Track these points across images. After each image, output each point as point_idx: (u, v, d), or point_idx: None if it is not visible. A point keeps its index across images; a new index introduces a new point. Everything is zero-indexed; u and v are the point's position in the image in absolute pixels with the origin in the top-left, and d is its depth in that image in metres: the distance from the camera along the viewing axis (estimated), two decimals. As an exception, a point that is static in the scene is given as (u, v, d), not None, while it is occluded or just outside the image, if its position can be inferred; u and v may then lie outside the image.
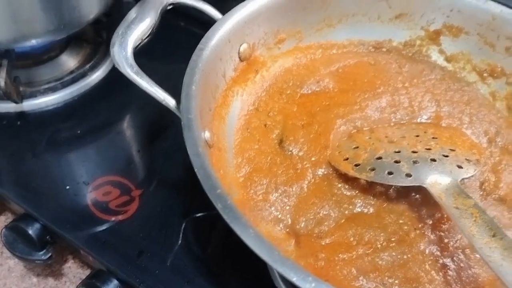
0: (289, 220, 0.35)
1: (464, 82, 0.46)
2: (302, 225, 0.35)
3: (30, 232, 0.44)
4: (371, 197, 0.37)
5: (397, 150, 0.38)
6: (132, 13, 0.36)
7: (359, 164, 0.38)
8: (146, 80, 0.33)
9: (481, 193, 0.39)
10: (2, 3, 0.43)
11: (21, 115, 0.51)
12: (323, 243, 0.34)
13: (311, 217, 0.36)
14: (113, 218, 0.43)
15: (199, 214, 0.44)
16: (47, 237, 0.44)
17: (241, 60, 0.42)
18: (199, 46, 0.37)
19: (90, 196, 0.45)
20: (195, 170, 0.28)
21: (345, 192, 0.37)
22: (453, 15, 0.45)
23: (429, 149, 0.38)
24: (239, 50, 0.41)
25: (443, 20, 0.46)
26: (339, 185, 0.38)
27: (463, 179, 0.36)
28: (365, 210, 0.36)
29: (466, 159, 0.38)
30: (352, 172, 0.38)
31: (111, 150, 0.50)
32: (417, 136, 0.40)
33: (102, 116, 0.52)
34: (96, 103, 0.53)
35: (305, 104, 0.42)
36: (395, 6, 0.46)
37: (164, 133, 0.51)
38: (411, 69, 0.45)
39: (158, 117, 0.52)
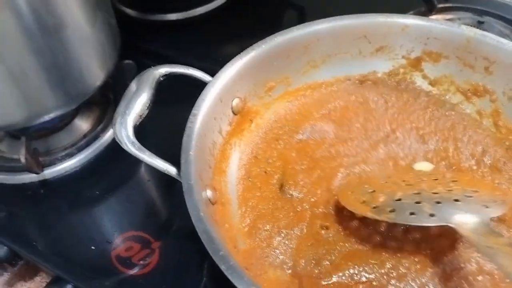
0: (292, 262, 0.38)
1: (449, 105, 0.48)
2: (302, 266, 0.37)
3: (64, 294, 0.47)
4: (366, 236, 0.39)
5: (416, 192, 0.38)
6: (131, 88, 0.40)
7: (377, 206, 0.37)
8: (147, 154, 0.37)
9: None
10: (10, 86, 0.47)
11: (44, 183, 0.55)
12: (324, 283, 0.36)
13: (310, 257, 0.38)
14: (137, 272, 0.47)
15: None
16: (80, 297, 0.48)
17: (234, 114, 0.45)
18: (193, 111, 0.40)
19: (114, 253, 0.48)
20: (199, 234, 0.31)
21: (340, 232, 0.39)
22: (430, 42, 0.48)
23: (450, 190, 0.37)
24: (231, 106, 0.45)
25: (422, 47, 0.48)
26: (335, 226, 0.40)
27: (491, 218, 0.36)
28: (361, 247, 0.38)
29: (491, 200, 0.37)
30: (370, 214, 0.37)
31: (129, 205, 0.53)
32: (436, 179, 0.40)
33: (117, 174, 0.56)
34: (111, 162, 0.57)
35: (304, 149, 0.45)
36: (374, 41, 0.49)
37: (175, 184, 0.54)
38: (396, 103, 0.48)
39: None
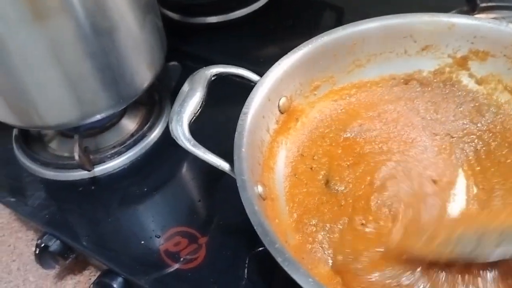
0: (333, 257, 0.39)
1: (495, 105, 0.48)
2: (340, 262, 0.38)
3: (115, 286, 0.49)
4: None
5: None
6: (184, 88, 0.41)
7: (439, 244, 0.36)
8: (202, 151, 0.38)
9: None
10: (67, 88, 0.50)
11: (94, 180, 0.58)
12: (366, 278, 0.36)
13: (347, 252, 0.38)
14: (185, 266, 0.48)
15: (260, 248, 0.47)
16: (130, 289, 0.50)
17: (281, 112, 0.46)
18: (243, 110, 0.41)
19: (163, 248, 0.50)
20: (254, 227, 0.32)
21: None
22: (477, 41, 0.47)
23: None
24: (278, 105, 0.46)
25: (468, 46, 0.48)
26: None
27: None
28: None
29: None
30: (433, 254, 0.36)
31: (176, 202, 0.55)
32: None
33: (163, 171, 0.58)
34: (157, 160, 0.59)
35: (351, 146, 0.46)
36: (420, 40, 0.49)
37: (220, 180, 0.55)
38: (445, 106, 0.48)
39: (212, 166, 0.57)
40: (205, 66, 0.68)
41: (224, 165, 0.38)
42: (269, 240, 0.31)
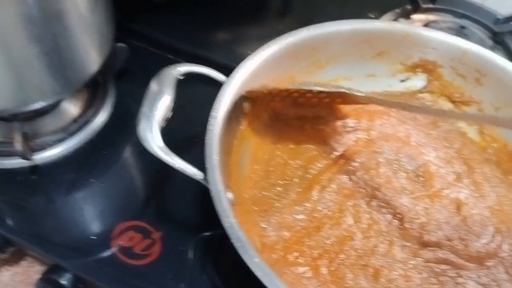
0: None
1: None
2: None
3: (65, 282, 0.47)
4: None
5: None
6: (152, 88, 0.40)
7: None
8: (174, 159, 0.37)
9: None
10: (10, 72, 0.45)
11: (34, 169, 0.53)
12: None
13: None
14: (140, 262, 0.47)
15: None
16: (80, 286, 0.48)
17: (245, 113, 0.46)
18: (212, 114, 0.41)
19: (115, 243, 0.48)
20: (232, 242, 0.33)
21: None
22: (429, 52, 0.51)
23: None
24: (243, 106, 0.46)
25: (420, 56, 0.51)
26: None
27: None
28: None
29: None
30: None
31: (126, 194, 0.53)
32: None
33: (111, 160, 0.55)
34: (104, 148, 0.56)
35: None
36: (376, 46, 0.51)
37: (173, 172, 0.54)
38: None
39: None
40: (153, 48, 0.67)
41: (198, 174, 0.37)
42: (248, 255, 0.32)
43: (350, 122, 0.49)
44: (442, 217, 0.44)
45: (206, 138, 0.39)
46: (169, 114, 0.38)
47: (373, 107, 0.49)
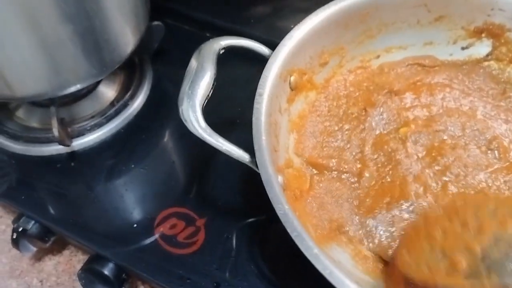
0: None
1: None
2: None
3: (106, 272, 0.45)
4: None
5: (496, 239, 0.31)
6: (192, 64, 0.36)
7: (470, 274, 0.30)
8: (220, 141, 0.34)
9: None
10: (44, 55, 0.43)
11: (73, 155, 0.52)
12: None
13: None
14: (184, 251, 0.45)
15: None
16: (123, 275, 0.46)
17: (292, 89, 0.42)
18: (259, 91, 0.37)
19: (158, 231, 0.46)
20: (289, 232, 0.30)
21: None
22: (494, 14, 0.45)
23: None
24: (290, 81, 0.42)
25: (484, 19, 0.46)
26: None
27: None
28: None
29: None
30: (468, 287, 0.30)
31: (167, 180, 0.51)
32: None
33: (151, 145, 0.53)
34: (143, 131, 0.54)
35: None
36: (434, 10, 0.46)
37: (214, 156, 0.52)
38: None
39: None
40: (189, 26, 0.64)
41: (244, 156, 0.34)
42: (306, 246, 0.29)
43: (408, 97, 0.44)
44: None
45: (253, 117, 0.35)
46: (210, 92, 0.35)
47: (433, 79, 0.44)
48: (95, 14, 0.44)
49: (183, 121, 0.34)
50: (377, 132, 0.43)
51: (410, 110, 0.44)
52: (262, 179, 0.32)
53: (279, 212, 0.31)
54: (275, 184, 0.32)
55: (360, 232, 0.38)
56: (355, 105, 0.45)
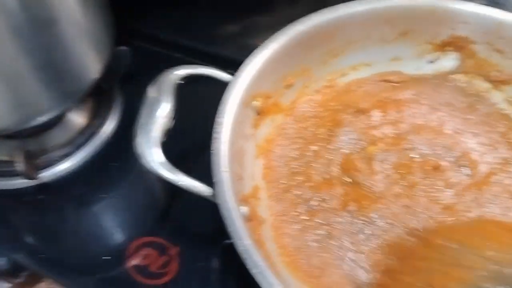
0: None
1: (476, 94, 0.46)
2: None
3: (81, 306, 0.44)
4: None
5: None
6: (148, 96, 0.36)
7: None
8: (179, 176, 0.33)
9: None
10: (2, 90, 0.42)
11: (42, 187, 0.51)
12: None
13: None
14: (157, 282, 0.44)
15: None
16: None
17: (257, 113, 0.42)
18: (217, 120, 0.36)
19: (130, 262, 0.45)
20: (249, 270, 0.29)
21: None
22: (459, 27, 0.45)
23: None
24: (254, 106, 0.41)
25: (450, 32, 0.45)
26: None
27: None
28: None
29: None
30: None
31: (139, 208, 0.50)
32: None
33: (122, 173, 0.52)
34: (113, 159, 0.53)
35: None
36: (399, 25, 0.46)
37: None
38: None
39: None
40: (158, 47, 0.63)
41: (205, 191, 0.33)
42: (268, 283, 0.28)
43: (376, 115, 0.43)
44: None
45: (212, 147, 0.34)
46: (171, 124, 0.34)
47: (401, 95, 0.43)
48: (55, 47, 0.43)
49: (137, 157, 0.34)
50: (345, 151, 0.43)
51: (377, 128, 0.43)
52: (222, 213, 0.32)
53: (239, 248, 0.30)
54: (236, 218, 0.31)
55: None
56: (323, 126, 0.44)
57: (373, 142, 0.42)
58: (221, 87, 0.40)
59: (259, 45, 0.42)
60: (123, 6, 0.56)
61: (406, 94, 0.45)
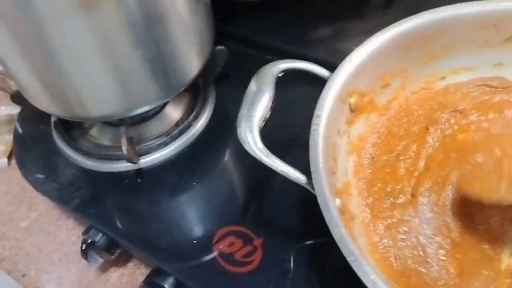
0: None
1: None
2: None
3: (167, 286, 0.47)
4: None
5: None
6: (251, 87, 0.38)
7: None
8: (276, 162, 0.35)
9: None
10: (115, 79, 0.46)
11: (139, 172, 0.55)
12: None
13: None
14: (241, 270, 0.46)
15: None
16: (182, 290, 0.47)
17: (352, 111, 0.42)
18: (316, 112, 0.37)
19: (216, 248, 0.47)
20: (346, 256, 0.29)
21: None
22: None
23: None
24: (349, 103, 0.42)
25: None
26: None
27: None
28: None
29: None
30: None
31: (227, 198, 0.51)
32: None
33: (212, 164, 0.55)
34: (205, 151, 0.56)
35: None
36: (504, 30, 0.44)
37: (274, 176, 0.52)
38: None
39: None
40: (251, 49, 0.65)
41: (300, 178, 0.34)
42: (363, 271, 0.28)
43: (474, 115, 0.42)
44: None
45: (310, 138, 0.35)
46: (268, 114, 0.36)
47: (505, 98, 0.42)
48: (165, 42, 0.46)
49: (241, 141, 0.35)
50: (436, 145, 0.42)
51: (473, 124, 0.42)
52: (319, 201, 0.32)
53: (335, 236, 0.30)
54: (332, 207, 0.32)
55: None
56: (417, 123, 0.43)
57: (465, 130, 0.41)
58: (313, 87, 0.41)
59: (352, 48, 0.42)
60: (221, 9, 0.59)
61: (508, 97, 0.43)
